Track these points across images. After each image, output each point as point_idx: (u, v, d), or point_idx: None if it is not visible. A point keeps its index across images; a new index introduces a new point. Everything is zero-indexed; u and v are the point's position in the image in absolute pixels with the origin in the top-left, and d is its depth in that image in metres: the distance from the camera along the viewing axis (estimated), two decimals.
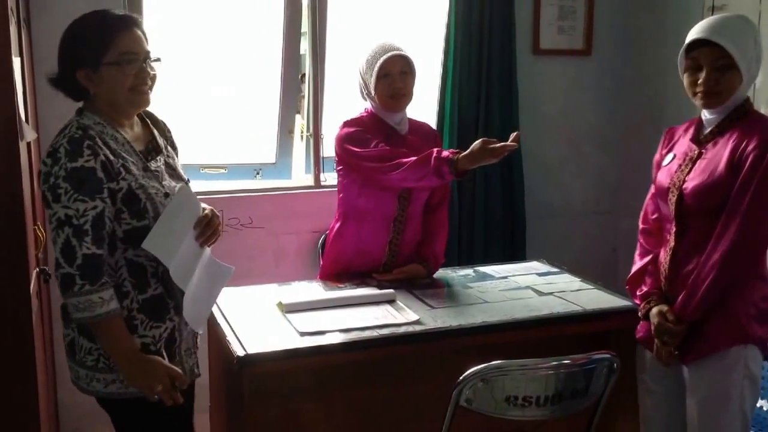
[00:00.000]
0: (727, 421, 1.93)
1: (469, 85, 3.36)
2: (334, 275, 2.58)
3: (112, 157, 1.71)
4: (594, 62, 3.69)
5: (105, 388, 1.77)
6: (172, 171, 1.90)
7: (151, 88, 1.81)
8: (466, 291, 2.46)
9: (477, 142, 2.33)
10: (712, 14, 3.12)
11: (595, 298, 2.39)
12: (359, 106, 2.60)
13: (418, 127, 2.62)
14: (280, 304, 2.25)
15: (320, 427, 2.18)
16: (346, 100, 2.92)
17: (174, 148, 1.99)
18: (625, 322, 2.21)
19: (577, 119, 3.73)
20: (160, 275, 1.79)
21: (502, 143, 2.30)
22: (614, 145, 3.78)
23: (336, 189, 2.64)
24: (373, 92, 2.46)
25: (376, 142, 2.43)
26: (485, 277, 2.63)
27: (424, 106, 3.35)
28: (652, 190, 2.14)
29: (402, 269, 2.53)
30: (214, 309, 2.18)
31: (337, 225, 2.60)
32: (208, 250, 1.91)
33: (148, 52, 1.79)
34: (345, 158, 2.48)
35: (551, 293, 2.43)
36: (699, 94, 1.92)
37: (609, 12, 3.66)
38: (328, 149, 3.13)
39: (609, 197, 3.84)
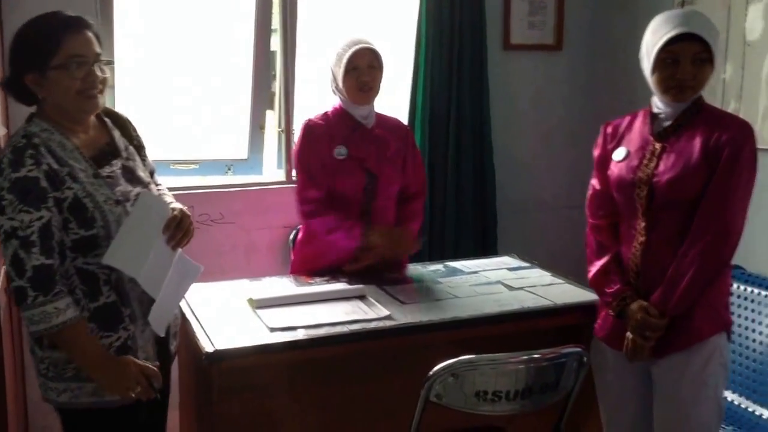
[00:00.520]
0: (705, 410, 1.95)
1: (440, 80, 3.37)
2: (305, 270, 2.57)
3: (56, 166, 1.65)
4: (564, 57, 3.72)
5: (58, 397, 1.73)
6: (131, 175, 1.82)
7: (101, 91, 1.74)
8: (436, 286, 2.47)
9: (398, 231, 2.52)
10: (682, 8, 3.16)
11: (566, 293, 2.41)
12: (331, 102, 2.59)
13: (385, 121, 2.63)
14: (250, 300, 2.23)
15: (291, 423, 2.17)
16: (317, 96, 2.91)
17: (139, 147, 1.92)
18: (595, 317, 2.22)
19: (548, 114, 3.75)
20: (113, 282, 1.73)
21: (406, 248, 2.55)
22: (585, 139, 3.75)
23: None
24: (341, 85, 2.47)
25: (328, 145, 2.48)
26: (455, 272, 2.63)
27: (396, 101, 3.35)
28: (596, 186, 2.14)
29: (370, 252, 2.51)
30: (184, 305, 2.16)
31: None
32: (180, 250, 1.86)
33: (98, 55, 1.72)
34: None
35: (522, 288, 2.44)
36: (673, 89, 1.92)
37: (579, 7, 3.69)
38: None
39: (580, 192, 3.78)
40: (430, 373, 1.79)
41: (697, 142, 1.93)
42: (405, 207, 2.63)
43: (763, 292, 2.64)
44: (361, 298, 2.30)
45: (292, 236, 2.98)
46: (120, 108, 2.94)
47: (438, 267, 2.71)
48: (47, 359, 1.72)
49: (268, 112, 3.39)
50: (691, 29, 1.86)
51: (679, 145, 1.96)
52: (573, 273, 2.65)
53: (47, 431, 2.82)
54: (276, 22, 3.24)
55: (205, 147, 3.27)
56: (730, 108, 2.94)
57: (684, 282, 1.90)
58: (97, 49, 1.73)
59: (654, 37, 1.92)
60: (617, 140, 2.10)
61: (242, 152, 3.32)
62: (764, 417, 2.46)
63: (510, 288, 2.45)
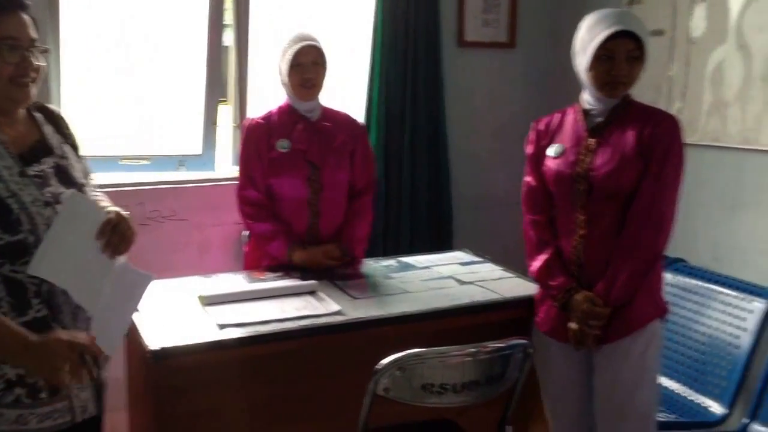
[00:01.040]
0: (646, 393, 2.03)
1: (396, 78, 3.38)
2: (257, 266, 2.57)
3: None
4: (518, 55, 3.76)
5: None
6: (64, 175, 1.65)
7: (34, 81, 1.58)
8: (388, 281, 2.48)
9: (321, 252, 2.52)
10: (631, 7, 3.23)
11: (515, 286, 2.44)
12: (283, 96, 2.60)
13: (334, 115, 2.64)
14: (200, 297, 2.22)
15: (241, 421, 2.15)
16: (271, 91, 2.89)
17: (75, 147, 1.75)
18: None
19: (502, 111, 3.79)
20: (43, 295, 1.54)
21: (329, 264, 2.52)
22: None
23: None
24: (286, 79, 2.49)
25: (269, 142, 2.51)
26: (408, 267, 2.65)
27: (352, 98, 3.35)
28: (531, 182, 2.19)
29: (316, 248, 2.53)
30: None
31: None
32: (121, 259, 1.66)
33: (33, 40, 1.57)
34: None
35: (472, 282, 2.47)
36: (608, 84, 1.98)
37: (532, 5, 3.74)
38: None
39: None
40: (378, 367, 1.80)
41: (630, 136, 1.99)
42: (353, 203, 2.63)
43: (705, 285, 2.71)
44: (313, 293, 2.30)
45: (245, 233, 2.96)
46: (67, 102, 2.92)
47: (391, 262, 2.73)
48: None
49: (222, 107, 3.36)
50: (626, 27, 1.93)
51: (612, 139, 2.02)
52: (526, 266, 2.69)
53: None
54: (229, 17, 3.21)
55: (157, 142, 3.22)
56: (675, 106, 3.01)
57: (625, 273, 1.96)
58: (33, 34, 1.57)
59: (590, 34, 1.98)
60: (550, 137, 2.15)
61: (195, 148, 3.29)
62: (703, 405, 2.53)
63: (461, 282, 2.47)
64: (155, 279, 1.68)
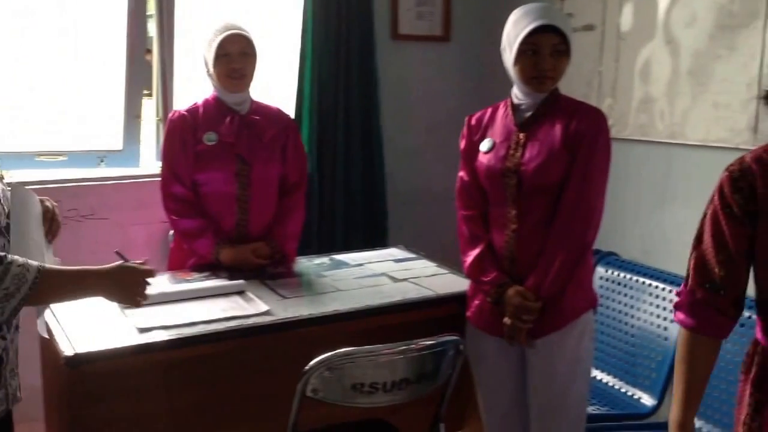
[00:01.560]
0: (580, 385, 2.05)
1: (328, 70, 3.31)
2: (182, 265, 2.47)
3: None
4: (453, 48, 3.74)
5: None
6: None
7: None
8: (320, 279, 2.42)
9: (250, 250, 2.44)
10: (562, 3, 3.24)
11: (449, 283, 2.41)
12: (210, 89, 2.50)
13: (264, 109, 2.56)
14: None
15: (165, 427, 2.06)
16: (196, 83, 2.78)
17: None
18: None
19: (437, 104, 3.76)
20: None
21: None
22: None
23: None
24: (212, 70, 2.39)
25: (195, 135, 2.42)
26: (340, 265, 2.59)
27: (283, 92, 3.27)
28: (465, 177, 2.18)
29: (245, 246, 2.45)
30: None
31: None
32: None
33: None
34: None
35: (406, 279, 2.43)
36: (536, 79, 1.98)
37: None
38: None
39: None
40: (306, 368, 1.75)
41: (558, 130, 2.00)
42: (284, 200, 2.56)
43: (635, 278, 2.74)
44: (241, 293, 2.23)
45: (171, 232, 2.84)
46: None
47: (324, 260, 2.66)
48: None
49: (146, 101, 3.22)
50: (550, 21, 1.93)
51: (541, 133, 2.02)
52: (462, 262, 2.66)
53: None
54: (152, 6, 3.08)
55: (74, 138, 3.07)
56: (606, 102, 3.04)
57: (555, 266, 1.96)
58: None
59: (515, 29, 1.98)
60: (482, 132, 2.14)
61: (116, 143, 3.15)
62: (635, 397, 2.56)
63: (394, 280, 2.43)
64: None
